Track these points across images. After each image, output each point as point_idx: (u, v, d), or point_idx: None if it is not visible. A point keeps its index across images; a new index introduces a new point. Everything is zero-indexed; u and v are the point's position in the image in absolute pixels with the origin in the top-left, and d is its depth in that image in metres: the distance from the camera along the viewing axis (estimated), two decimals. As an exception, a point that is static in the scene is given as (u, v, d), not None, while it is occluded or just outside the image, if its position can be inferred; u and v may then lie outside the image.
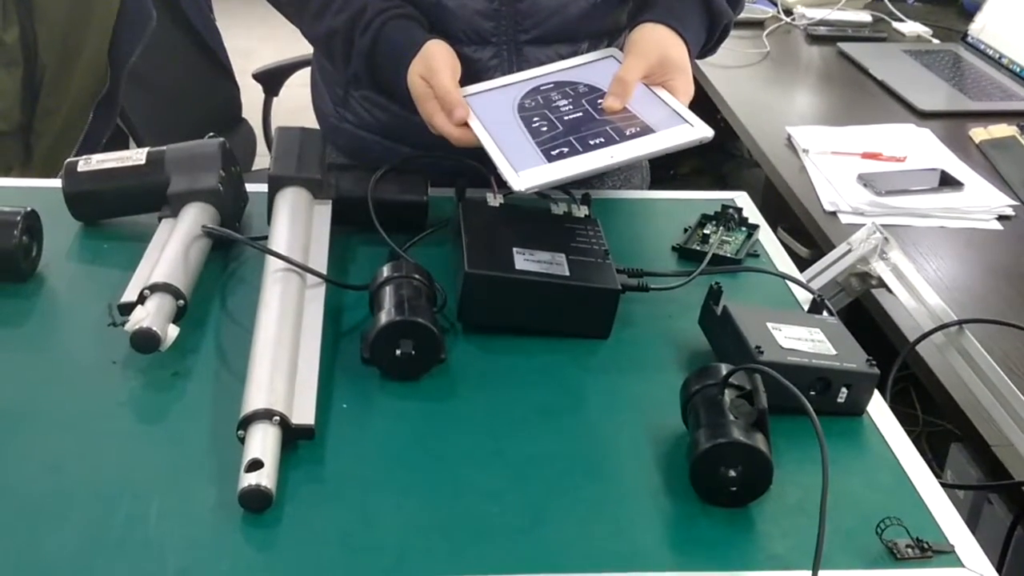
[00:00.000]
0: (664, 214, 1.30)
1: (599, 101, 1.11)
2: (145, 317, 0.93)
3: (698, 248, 1.19)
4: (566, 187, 1.20)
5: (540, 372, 0.99)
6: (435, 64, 1.13)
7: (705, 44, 1.25)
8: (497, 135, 1.09)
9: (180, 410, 0.92)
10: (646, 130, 1.06)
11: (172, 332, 0.95)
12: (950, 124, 2.04)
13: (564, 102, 1.14)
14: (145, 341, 0.93)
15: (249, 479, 0.79)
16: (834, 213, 1.68)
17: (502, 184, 1.09)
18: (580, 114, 1.11)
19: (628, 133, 1.06)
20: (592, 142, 1.05)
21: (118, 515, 0.79)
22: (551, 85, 1.18)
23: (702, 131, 1.05)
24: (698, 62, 2.30)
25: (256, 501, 0.79)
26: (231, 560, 0.76)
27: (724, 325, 0.99)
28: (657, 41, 1.15)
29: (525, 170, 1.03)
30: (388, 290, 0.98)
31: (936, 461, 1.40)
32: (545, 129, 1.09)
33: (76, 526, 0.78)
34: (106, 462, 0.85)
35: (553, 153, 1.05)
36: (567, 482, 0.86)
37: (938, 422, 1.88)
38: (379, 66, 1.19)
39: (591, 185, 1.36)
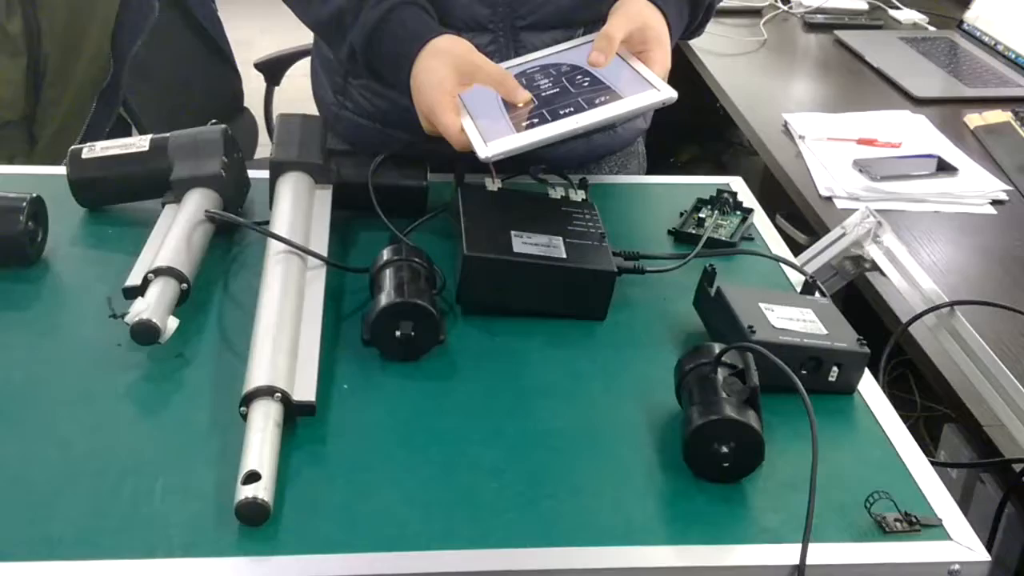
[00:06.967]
0: (660, 198, 1.31)
1: (578, 77, 1.13)
2: (145, 309, 0.94)
3: (693, 232, 1.21)
4: (563, 172, 1.22)
5: (538, 353, 1.01)
6: (477, 60, 1.13)
7: (689, 25, 1.27)
8: (476, 113, 1.11)
9: (184, 391, 0.94)
10: (614, 97, 1.09)
11: (172, 324, 0.95)
12: (945, 110, 2.05)
13: (545, 81, 1.16)
14: (145, 333, 0.93)
15: (246, 491, 0.77)
16: (830, 198, 1.70)
17: (500, 169, 1.10)
18: (557, 90, 1.13)
19: (597, 102, 1.08)
20: (562, 112, 1.07)
21: (124, 493, 0.81)
22: (537, 68, 1.19)
23: (666, 93, 1.07)
24: (697, 51, 2.33)
25: (253, 516, 0.77)
26: (234, 536, 0.78)
27: (718, 305, 1.01)
28: (639, 11, 1.17)
29: (493, 140, 1.05)
30: (388, 273, 1.00)
31: (933, 445, 1.41)
32: (522, 106, 1.11)
33: (83, 504, 0.80)
34: (111, 442, 0.87)
35: (524, 124, 1.07)
36: (564, 459, 0.88)
37: (936, 407, 1.89)
38: (382, 44, 1.17)
39: (588, 170, 1.38)
